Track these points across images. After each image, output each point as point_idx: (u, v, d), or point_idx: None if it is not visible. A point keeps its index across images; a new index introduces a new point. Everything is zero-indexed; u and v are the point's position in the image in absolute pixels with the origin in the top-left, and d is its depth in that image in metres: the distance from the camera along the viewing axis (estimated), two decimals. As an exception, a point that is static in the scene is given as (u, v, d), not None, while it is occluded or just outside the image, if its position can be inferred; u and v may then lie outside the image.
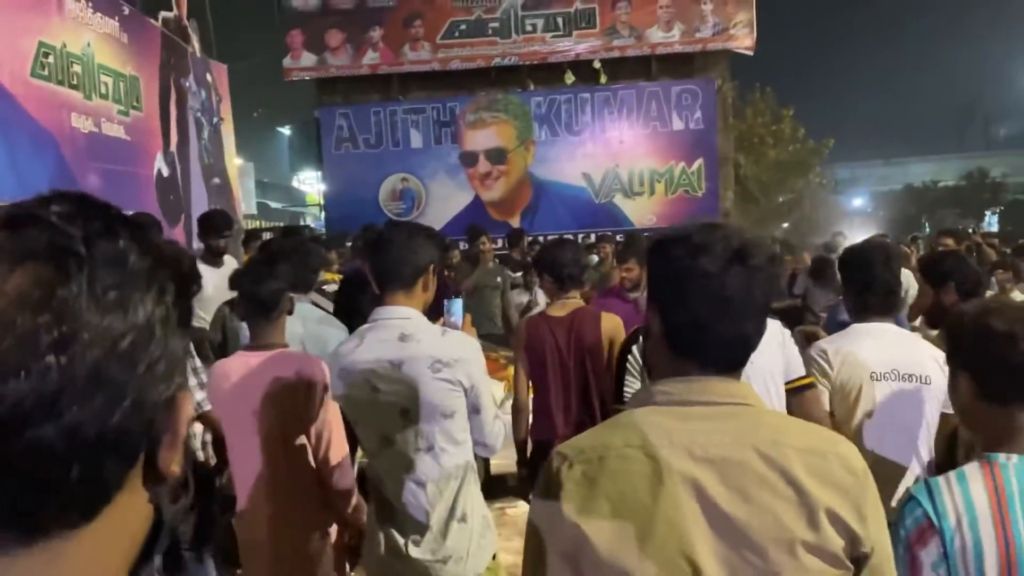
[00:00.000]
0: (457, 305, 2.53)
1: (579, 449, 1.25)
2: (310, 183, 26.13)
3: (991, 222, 38.52)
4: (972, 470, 1.61)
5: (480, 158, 13.93)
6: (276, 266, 2.77)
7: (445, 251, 2.54)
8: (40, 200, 0.62)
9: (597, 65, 13.84)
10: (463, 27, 13.73)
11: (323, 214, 15.82)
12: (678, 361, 1.26)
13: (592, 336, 3.60)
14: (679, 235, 1.29)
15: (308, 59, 13.81)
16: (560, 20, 13.73)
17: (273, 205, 29.65)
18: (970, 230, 10.30)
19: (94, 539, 0.59)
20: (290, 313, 2.85)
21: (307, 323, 3.34)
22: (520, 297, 6.27)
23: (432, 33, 13.71)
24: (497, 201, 14.06)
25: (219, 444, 3.42)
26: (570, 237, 13.52)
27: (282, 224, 25.01)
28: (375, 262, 2.39)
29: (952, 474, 1.62)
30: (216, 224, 4.77)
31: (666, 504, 1.16)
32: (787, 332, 2.68)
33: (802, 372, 2.61)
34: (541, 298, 6.04)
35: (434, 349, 2.29)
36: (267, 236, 14.02)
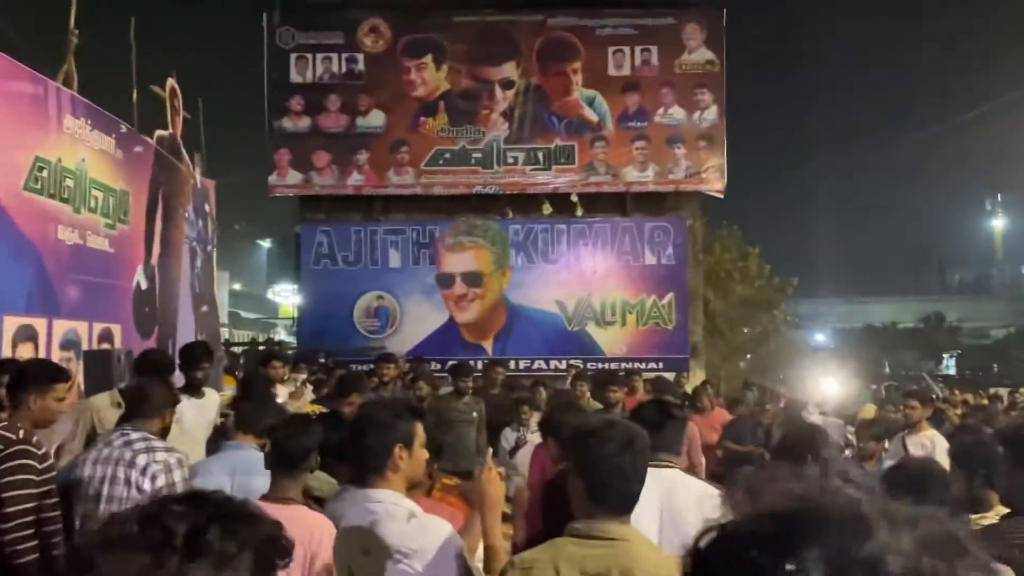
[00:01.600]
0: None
1: (521, 559, 2.08)
2: (285, 295, 26.19)
3: (949, 365, 39.48)
4: None
5: (456, 280, 14.15)
6: (310, 425, 2.85)
7: (420, 417, 2.52)
8: (168, 500, 0.87)
9: (574, 198, 14.35)
10: (447, 155, 14.23)
11: (295, 328, 15.79)
12: (590, 508, 2.04)
13: None
14: (591, 429, 2.14)
15: (294, 177, 14.15)
16: (540, 155, 14.31)
17: (245, 315, 29.54)
18: (924, 376, 10.46)
19: None
20: (312, 472, 2.91)
21: (236, 475, 3.28)
22: (509, 435, 6.22)
23: (417, 159, 14.18)
24: (471, 323, 14.18)
25: None
26: (542, 363, 13.62)
27: (251, 335, 24.90)
28: (350, 449, 2.46)
29: None
30: (196, 357, 4.81)
31: None
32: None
33: None
34: (531, 437, 5.99)
35: (397, 539, 2.27)
36: (237, 349, 13.97)
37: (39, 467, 3.43)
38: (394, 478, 2.38)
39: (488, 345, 14.08)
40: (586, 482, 2.06)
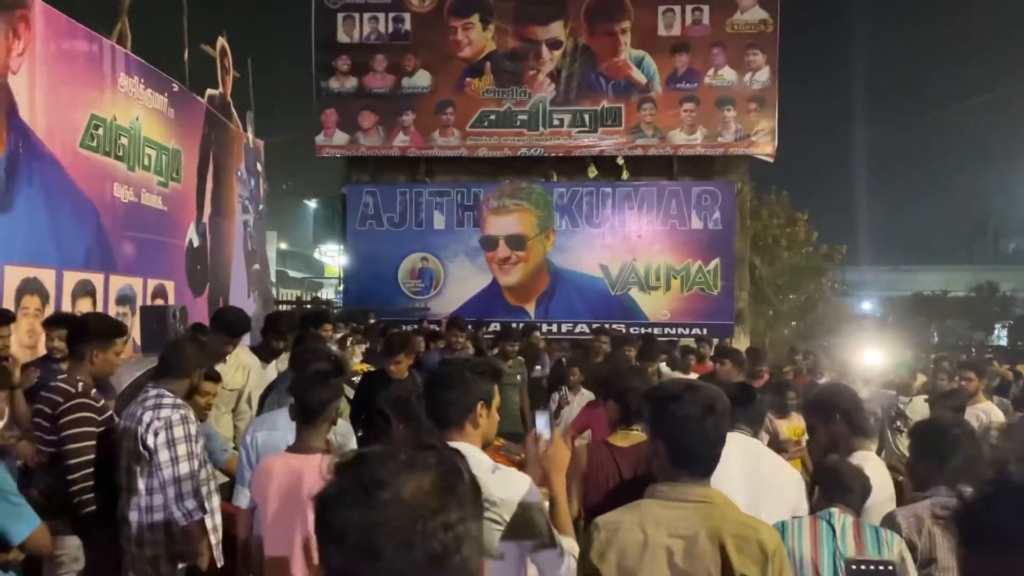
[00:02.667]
0: (543, 419, 2.49)
1: (605, 521, 2.12)
2: (331, 255, 26.47)
3: (1000, 336, 38.52)
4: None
5: (500, 243, 14.15)
6: (330, 378, 2.87)
7: (498, 379, 2.55)
8: (420, 440, 1.07)
9: (620, 161, 14.17)
10: (492, 117, 14.13)
11: (342, 287, 15.97)
12: (673, 471, 2.07)
13: None
14: (673, 393, 2.12)
15: (340, 137, 14.19)
16: (587, 117, 14.13)
17: (292, 274, 29.94)
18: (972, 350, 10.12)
19: None
20: (333, 423, 2.95)
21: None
22: (555, 397, 6.23)
23: (462, 121, 14.11)
24: (514, 286, 14.19)
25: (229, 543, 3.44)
26: (584, 327, 13.58)
27: (297, 294, 25.26)
28: (427, 402, 2.48)
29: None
30: (282, 328, 4.88)
31: (647, 561, 1.98)
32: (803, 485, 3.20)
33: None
34: (575, 400, 5.99)
35: (483, 489, 2.25)
36: (283, 307, 14.18)
37: (98, 419, 3.53)
38: (472, 434, 2.41)
39: (530, 308, 14.10)
40: (668, 445, 2.10)
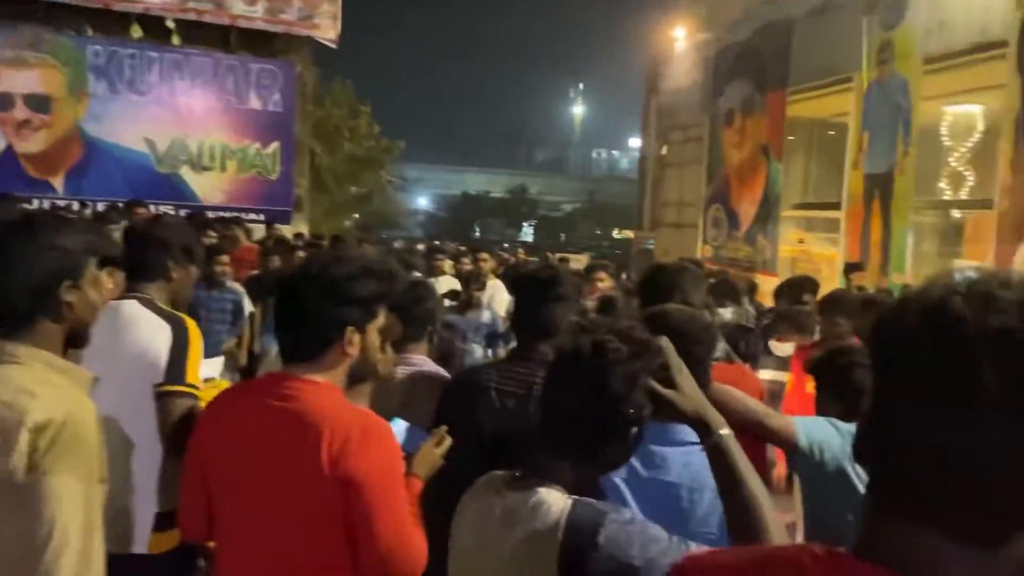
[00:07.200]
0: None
1: None
2: None
3: (527, 232, 44.72)
4: None
5: (18, 102, 12.03)
6: None
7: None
8: None
9: (170, 24, 12.81)
10: (7, -52, 11.64)
11: None
12: None
13: None
14: None
15: None
16: (131, -34, 12.42)
17: None
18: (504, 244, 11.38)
19: None
20: None
21: None
22: None
23: (-35, -54, 11.39)
24: (36, 155, 12.26)
25: None
26: (119, 204, 12.36)
27: None
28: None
29: None
30: None
31: None
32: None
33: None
34: None
35: None
36: None
37: None
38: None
39: (58, 182, 12.39)
40: None
